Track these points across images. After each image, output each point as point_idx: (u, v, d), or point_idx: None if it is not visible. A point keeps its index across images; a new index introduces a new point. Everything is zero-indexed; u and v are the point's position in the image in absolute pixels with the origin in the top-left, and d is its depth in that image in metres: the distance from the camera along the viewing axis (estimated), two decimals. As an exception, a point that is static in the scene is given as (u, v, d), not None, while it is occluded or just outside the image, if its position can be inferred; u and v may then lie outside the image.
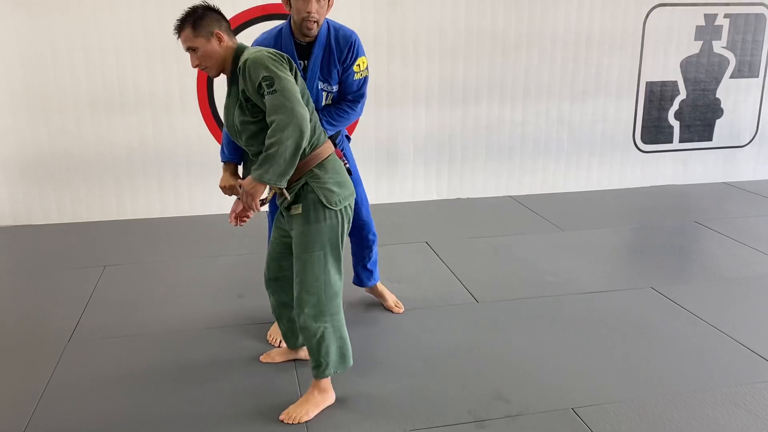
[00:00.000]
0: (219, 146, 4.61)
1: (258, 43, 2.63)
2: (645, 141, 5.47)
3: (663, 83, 5.37)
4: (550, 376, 2.67)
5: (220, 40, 2.26)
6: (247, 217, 2.38)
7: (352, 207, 2.43)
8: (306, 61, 2.64)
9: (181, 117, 4.59)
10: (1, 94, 4.34)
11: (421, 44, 4.81)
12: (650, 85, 5.35)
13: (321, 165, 2.33)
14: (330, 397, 2.48)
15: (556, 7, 4.97)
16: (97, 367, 2.74)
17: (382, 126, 4.88)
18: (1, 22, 4.22)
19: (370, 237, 3.06)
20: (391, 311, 3.21)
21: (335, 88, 2.72)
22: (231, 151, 2.55)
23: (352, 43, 2.65)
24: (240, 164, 2.60)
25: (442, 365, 2.75)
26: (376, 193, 5.08)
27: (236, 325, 3.10)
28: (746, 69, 5.49)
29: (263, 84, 2.14)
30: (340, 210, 2.34)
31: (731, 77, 5.47)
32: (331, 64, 2.65)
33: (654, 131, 5.46)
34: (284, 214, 2.43)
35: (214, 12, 2.29)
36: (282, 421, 2.37)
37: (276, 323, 2.88)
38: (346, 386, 2.57)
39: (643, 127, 5.43)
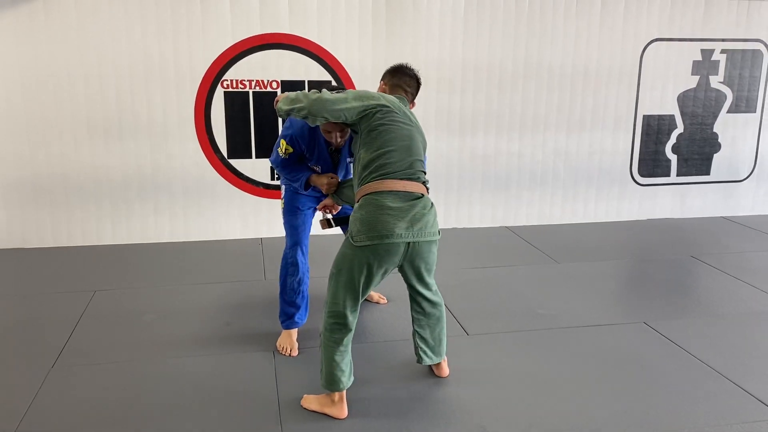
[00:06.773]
0: (215, 173, 4.69)
1: (292, 126, 2.97)
2: (642, 174, 5.46)
3: (660, 117, 5.38)
4: (538, 412, 2.63)
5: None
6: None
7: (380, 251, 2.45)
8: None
9: (179, 144, 4.63)
10: (2, 118, 4.39)
11: (419, 75, 4.82)
12: (647, 119, 5.36)
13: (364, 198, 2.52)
14: None
15: (554, 40, 5.02)
16: (79, 394, 2.72)
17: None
18: (4, 50, 4.29)
19: None
20: (379, 303, 3.71)
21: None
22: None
23: None
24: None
25: (428, 397, 2.71)
26: (371, 222, 5.07)
27: (222, 353, 3.08)
28: (743, 104, 5.50)
29: None
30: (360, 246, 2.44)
31: (728, 112, 5.49)
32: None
33: (651, 164, 5.46)
34: None
35: None
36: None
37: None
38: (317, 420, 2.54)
39: (640, 160, 5.43)
